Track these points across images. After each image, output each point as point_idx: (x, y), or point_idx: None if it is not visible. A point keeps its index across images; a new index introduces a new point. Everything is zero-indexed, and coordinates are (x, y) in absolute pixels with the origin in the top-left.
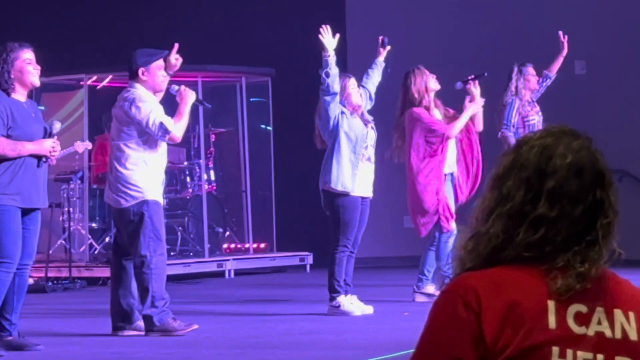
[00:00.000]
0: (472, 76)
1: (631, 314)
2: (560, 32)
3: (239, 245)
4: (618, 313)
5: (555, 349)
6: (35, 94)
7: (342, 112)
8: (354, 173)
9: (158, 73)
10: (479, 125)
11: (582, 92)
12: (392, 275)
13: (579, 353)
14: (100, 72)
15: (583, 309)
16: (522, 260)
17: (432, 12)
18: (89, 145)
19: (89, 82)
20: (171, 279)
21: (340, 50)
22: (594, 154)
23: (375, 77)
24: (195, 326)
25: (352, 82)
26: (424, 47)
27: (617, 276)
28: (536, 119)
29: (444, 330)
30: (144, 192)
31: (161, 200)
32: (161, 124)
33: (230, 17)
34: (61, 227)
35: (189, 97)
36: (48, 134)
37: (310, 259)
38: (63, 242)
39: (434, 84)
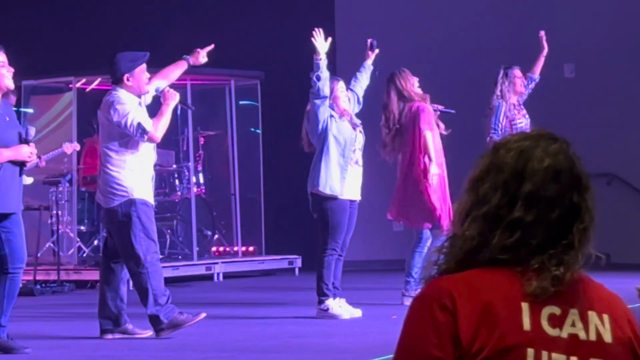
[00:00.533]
0: (443, 108)
1: (605, 317)
2: (542, 32)
3: (227, 249)
4: (592, 315)
5: (531, 351)
6: (24, 97)
7: (331, 116)
8: (342, 177)
9: (142, 77)
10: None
11: (571, 95)
12: (381, 278)
13: (554, 355)
14: (89, 74)
15: (557, 311)
16: (498, 263)
17: (421, 16)
18: (77, 146)
19: (77, 85)
20: None
21: (329, 53)
22: (572, 158)
23: (363, 80)
24: (204, 314)
25: (340, 85)
26: (413, 50)
27: (592, 280)
28: (524, 123)
29: (423, 334)
30: (130, 191)
31: (151, 200)
32: (139, 124)
33: (219, 20)
34: (50, 229)
35: (172, 99)
36: (23, 140)
37: (299, 262)
38: (51, 245)
39: (416, 88)
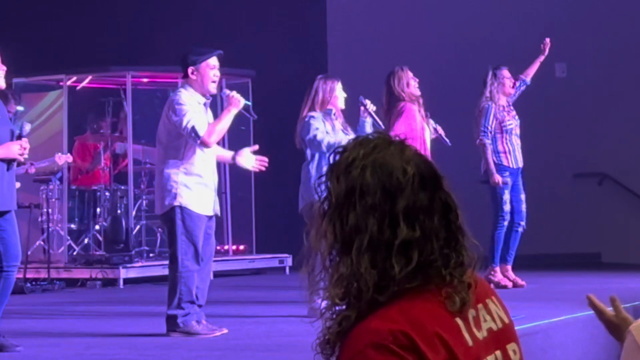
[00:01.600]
0: (441, 132)
1: (494, 299)
2: (547, 39)
3: (218, 247)
4: (490, 303)
5: None
6: (14, 94)
7: (327, 132)
8: None
9: (208, 72)
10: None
11: (562, 95)
12: None
13: (489, 357)
14: (80, 72)
15: (473, 313)
16: (407, 292)
17: (413, 16)
18: (69, 158)
19: (68, 83)
20: (151, 280)
21: (320, 51)
22: (424, 158)
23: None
24: (225, 330)
25: (339, 85)
26: (404, 51)
27: None
28: (513, 124)
29: None
30: (179, 196)
31: (204, 210)
32: (193, 127)
33: (210, 18)
34: (40, 227)
35: (235, 105)
36: (17, 136)
37: (289, 261)
38: (42, 242)
39: (414, 89)
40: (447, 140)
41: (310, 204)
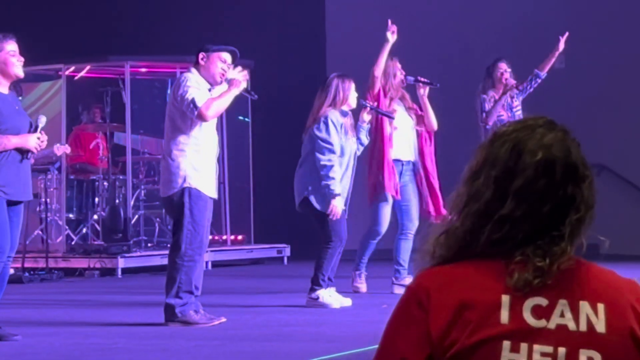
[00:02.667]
0: (426, 80)
1: (600, 306)
2: (566, 35)
3: (216, 237)
4: (584, 305)
5: (507, 343)
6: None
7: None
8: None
9: (217, 62)
10: (431, 125)
11: (560, 86)
12: (371, 267)
13: (536, 347)
14: (78, 62)
15: (543, 302)
16: (486, 256)
17: (412, 11)
18: (67, 149)
19: (67, 73)
20: (149, 270)
21: (319, 40)
22: (568, 147)
23: (363, 139)
24: (223, 320)
25: (353, 86)
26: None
27: (595, 267)
28: (504, 116)
29: (397, 328)
30: (185, 180)
31: (209, 192)
32: (192, 99)
33: (209, 9)
34: (38, 217)
35: (236, 85)
36: (34, 129)
37: (287, 251)
38: (40, 232)
39: (398, 80)
40: (427, 80)
41: (305, 199)
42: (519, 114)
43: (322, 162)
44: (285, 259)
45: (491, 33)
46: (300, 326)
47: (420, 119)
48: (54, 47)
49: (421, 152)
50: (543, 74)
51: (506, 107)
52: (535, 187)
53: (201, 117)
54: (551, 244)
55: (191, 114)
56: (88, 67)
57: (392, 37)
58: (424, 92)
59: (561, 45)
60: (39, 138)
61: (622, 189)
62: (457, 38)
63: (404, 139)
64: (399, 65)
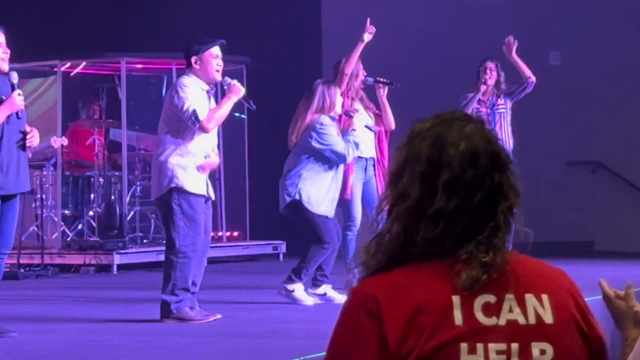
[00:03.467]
0: (385, 80)
1: (545, 297)
2: (510, 38)
3: (212, 234)
4: (530, 298)
5: (464, 345)
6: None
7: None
8: (334, 197)
9: (211, 61)
10: (389, 124)
11: (556, 83)
12: None
13: (491, 345)
14: (74, 58)
15: (492, 299)
16: (428, 257)
17: (408, 9)
18: (64, 141)
19: (62, 69)
20: (144, 266)
21: (315, 37)
22: (487, 137)
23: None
24: (218, 316)
25: (339, 92)
26: (399, 44)
27: (529, 259)
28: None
29: (348, 340)
30: (175, 179)
31: (200, 191)
32: (194, 111)
33: (205, 5)
34: (34, 213)
35: (236, 92)
36: (10, 86)
37: (283, 248)
38: (35, 228)
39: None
40: (387, 80)
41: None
42: (501, 112)
43: (347, 159)
44: (281, 256)
45: (488, 31)
46: (296, 323)
47: (379, 118)
48: (49, 43)
49: (380, 150)
50: (528, 79)
51: (488, 104)
52: (463, 178)
53: (203, 130)
54: (491, 237)
55: (193, 126)
56: (84, 64)
57: (367, 37)
58: (383, 92)
59: (512, 51)
60: (19, 94)
61: (618, 186)
62: (453, 37)
63: (366, 137)
64: (361, 66)
